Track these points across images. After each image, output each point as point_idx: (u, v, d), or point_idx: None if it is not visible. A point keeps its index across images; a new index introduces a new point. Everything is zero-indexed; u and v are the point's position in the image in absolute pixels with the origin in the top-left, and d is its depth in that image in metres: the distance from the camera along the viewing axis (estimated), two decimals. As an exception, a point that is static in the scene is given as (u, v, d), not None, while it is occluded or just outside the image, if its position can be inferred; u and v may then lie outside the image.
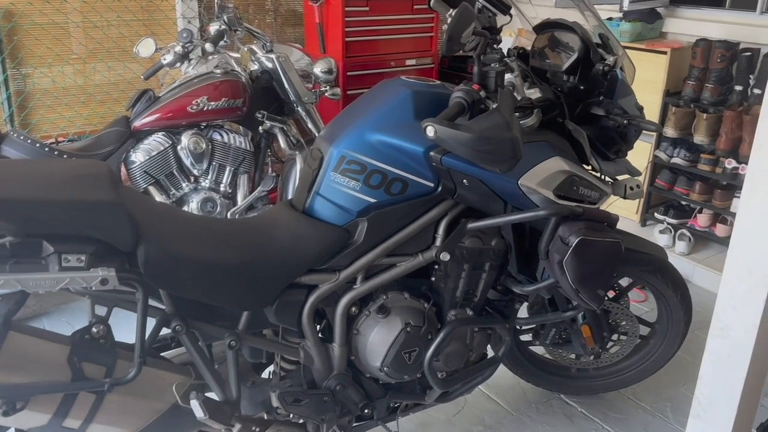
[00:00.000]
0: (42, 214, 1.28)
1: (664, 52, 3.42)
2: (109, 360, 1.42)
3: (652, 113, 3.49)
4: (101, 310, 1.49)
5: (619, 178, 1.95)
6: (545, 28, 1.97)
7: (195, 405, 1.47)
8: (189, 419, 1.51)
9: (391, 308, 1.73)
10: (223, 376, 1.61)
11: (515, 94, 1.82)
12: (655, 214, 3.68)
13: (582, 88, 1.89)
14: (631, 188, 1.94)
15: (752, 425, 1.55)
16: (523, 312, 2.12)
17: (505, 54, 1.84)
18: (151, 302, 1.53)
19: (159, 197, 2.98)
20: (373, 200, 1.64)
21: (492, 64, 1.79)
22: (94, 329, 1.42)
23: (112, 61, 3.92)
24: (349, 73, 3.99)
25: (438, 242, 1.72)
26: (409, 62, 4.25)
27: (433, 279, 1.80)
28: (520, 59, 1.99)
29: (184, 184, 3.02)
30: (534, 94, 1.88)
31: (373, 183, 1.63)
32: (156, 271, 1.42)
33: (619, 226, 1.85)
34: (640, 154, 3.60)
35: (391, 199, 1.65)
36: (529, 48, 2.01)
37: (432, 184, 1.66)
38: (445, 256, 1.71)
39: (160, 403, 1.49)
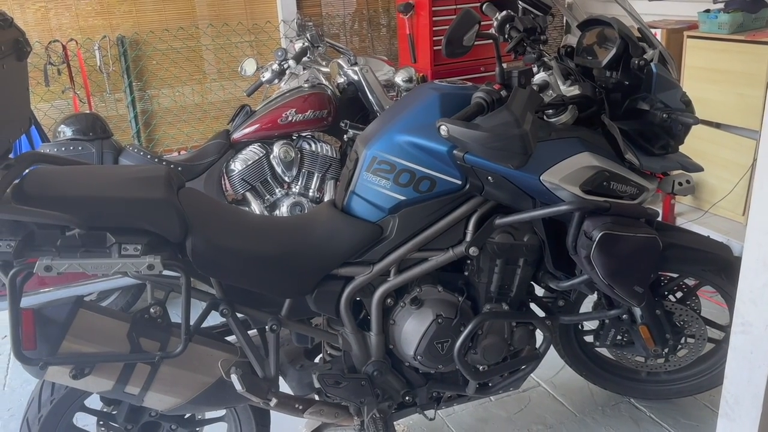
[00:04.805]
0: (102, 209, 1.52)
1: (767, 43, 3.20)
2: (163, 337, 1.63)
3: (754, 107, 3.28)
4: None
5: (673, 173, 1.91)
6: (589, 25, 1.98)
7: (234, 379, 1.66)
8: (233, 392, 1.69)
9: (424, 300, 1.82)
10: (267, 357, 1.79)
11: (550, 92, 1.86)
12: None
13: (627, 83, 1.88)
14: (680, 183, 1.89)
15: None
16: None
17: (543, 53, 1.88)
18: (204, 287, 1.75)
19: (255, 202, 3.26)
20: (402, 198, 1.74)
21: (533, 65, 1.86)
22: (152, 310, 1.64)
23: (224, 80, 4.32)
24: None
25: (468, 237, 1.79)
26: (500, 67, 4.24)
27: (466, 273, 1.86)
28: (569, 57, 2.01)
29: (277, 190, 3.30)
30: (575, 91, 1.89)
31: (402, 181, 1.73)
32: (202, 260, 1.63)
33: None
34: (743, 152, 3.39)
35: (419, 196, 1.74)
36: (575, 46, 2.02)
37: (459, 182, 1.73)
38: (474, 251, 1.77)
39: (208, 377, 1.69)
